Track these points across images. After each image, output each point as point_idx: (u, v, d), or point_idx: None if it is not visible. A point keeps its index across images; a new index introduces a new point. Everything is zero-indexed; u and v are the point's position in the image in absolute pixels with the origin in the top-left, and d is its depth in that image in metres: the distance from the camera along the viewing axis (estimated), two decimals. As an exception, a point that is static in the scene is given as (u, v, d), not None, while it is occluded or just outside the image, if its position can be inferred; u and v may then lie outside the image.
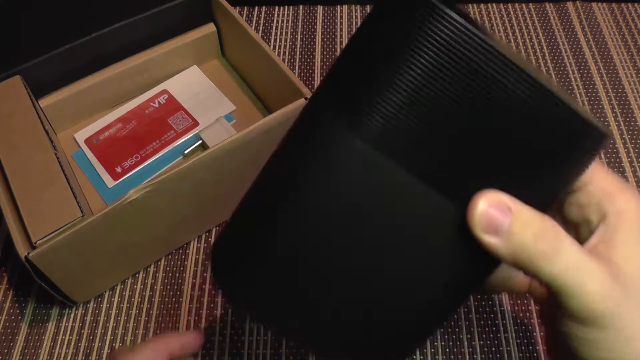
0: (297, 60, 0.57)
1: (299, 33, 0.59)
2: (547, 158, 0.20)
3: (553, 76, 0.55)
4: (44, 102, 0.46)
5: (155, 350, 0.31)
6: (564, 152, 0.20)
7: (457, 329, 0.40)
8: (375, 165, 0.20)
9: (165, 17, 0.49)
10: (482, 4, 0.62)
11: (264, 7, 0.61)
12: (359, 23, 0.60)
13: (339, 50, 0.57)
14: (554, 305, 0.22)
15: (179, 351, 0.33)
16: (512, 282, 0.29)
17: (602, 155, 0.50)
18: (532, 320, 0.41)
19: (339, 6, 0.61)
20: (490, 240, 0.20)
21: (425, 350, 0.40)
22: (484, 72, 0.18)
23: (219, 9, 0.49)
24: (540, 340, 0.40)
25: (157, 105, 0.50)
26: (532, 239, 0.20)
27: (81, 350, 0.40)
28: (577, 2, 0.62)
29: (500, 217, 0.20)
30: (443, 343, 0.40)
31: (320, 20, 0.60)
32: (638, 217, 0.22)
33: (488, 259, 0.21)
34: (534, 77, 0.19)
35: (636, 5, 0.62)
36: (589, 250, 0.21)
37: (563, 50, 0.58)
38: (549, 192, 0.21)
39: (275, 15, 0.61)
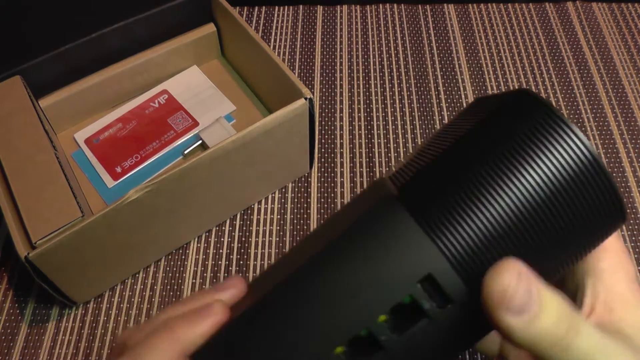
0: (297, 60, 0.57)
1: (299, 33, 0.59)
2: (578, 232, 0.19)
3: (553, 76, 0.55)
4: (44, 102, 0.46)
5: None
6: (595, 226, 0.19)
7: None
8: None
9: (165, 17, 0.49)
10: (482, 4, 0.62)
11: (264, 7, 0.61)
12: (359, 23, 0.60)
13: (338, 50, 0.57)
14: None
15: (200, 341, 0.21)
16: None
17: (602, 155, 0.50)
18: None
19: (339, 6, 0.61)
20: (508, 320, 0.16)
21: (425, 350, 0.40)
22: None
23: (219, 9, 0.49)
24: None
25: (157, 105, 0.50)
26: (554, 324, 0.17)
27: (81, 351, 0.40)
28: (577, 2, 0.62)
29: (525, 296, 0.16)
30: (443, 343, 0.40)
31: (320, 20, 0.60)
32: (623, 270, 0.21)
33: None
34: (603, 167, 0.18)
35: (636, 5, 0.62)
36: (589, 315, 0.20)
37: (563, 50, 0.58)
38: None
39: (275, 15, 0.61)
